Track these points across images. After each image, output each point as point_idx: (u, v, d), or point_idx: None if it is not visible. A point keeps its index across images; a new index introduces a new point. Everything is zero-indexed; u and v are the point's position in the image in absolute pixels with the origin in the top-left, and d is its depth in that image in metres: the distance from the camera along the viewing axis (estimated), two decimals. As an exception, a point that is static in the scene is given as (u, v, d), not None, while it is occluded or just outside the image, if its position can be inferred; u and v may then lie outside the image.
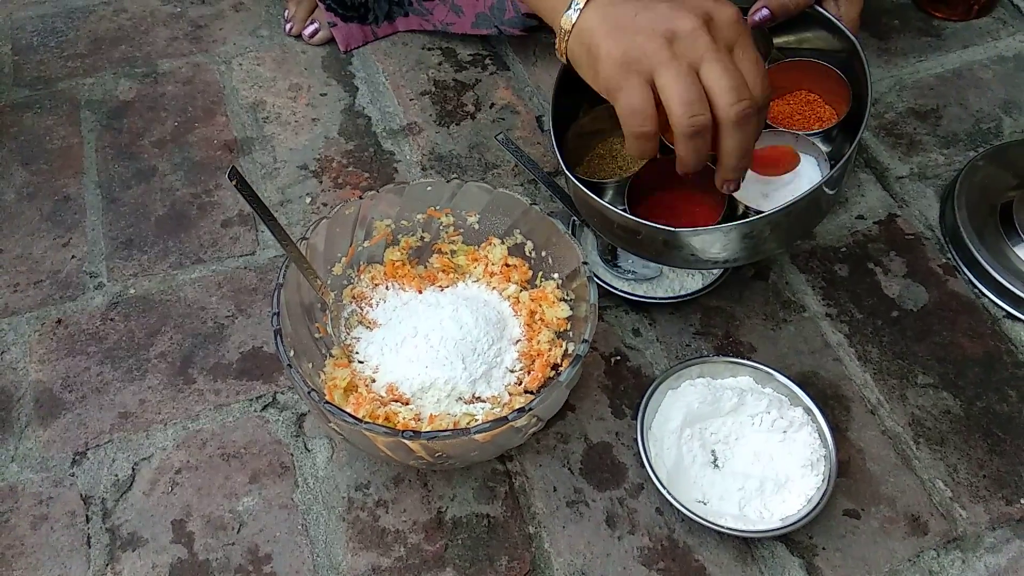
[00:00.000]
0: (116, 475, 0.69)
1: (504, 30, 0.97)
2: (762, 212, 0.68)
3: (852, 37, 0.67)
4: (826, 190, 0.66)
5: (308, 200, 0.87)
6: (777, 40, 0.73)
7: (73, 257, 0.83)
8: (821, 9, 0.68)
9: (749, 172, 0.71)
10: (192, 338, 0.77)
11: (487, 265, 0.74)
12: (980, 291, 0.80)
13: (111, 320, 0.78)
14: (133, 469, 0.69)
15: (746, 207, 0.69)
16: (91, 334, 0.77)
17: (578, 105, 0.78)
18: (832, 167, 0.71)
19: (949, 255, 0.83)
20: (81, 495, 0.68)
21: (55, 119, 0.95)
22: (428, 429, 0.64)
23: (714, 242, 0.67)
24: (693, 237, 0.66)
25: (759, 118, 0.58)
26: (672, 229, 0.66)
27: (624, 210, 0.70)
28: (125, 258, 0.83)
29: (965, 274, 0.81)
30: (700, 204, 0.72)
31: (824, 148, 0.72)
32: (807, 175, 0.71)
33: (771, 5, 0.68)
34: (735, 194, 0.68)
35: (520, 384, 0.69)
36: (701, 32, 0.56)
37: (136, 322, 0.78)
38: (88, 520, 0.67)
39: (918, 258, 0.83)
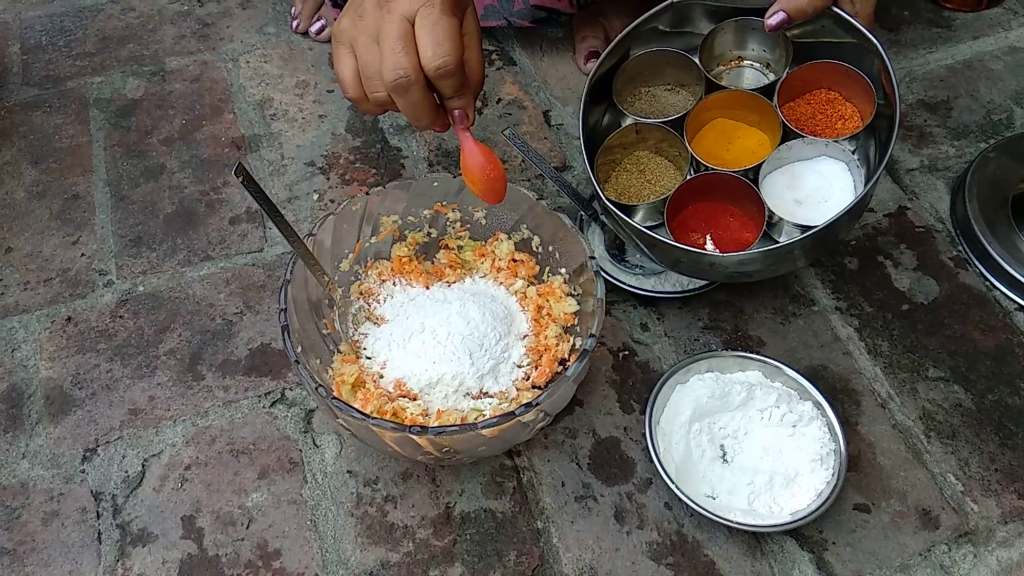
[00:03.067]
0: (126, 471, 0.69)
1: (513, 22, 0.97)
2: (793, 221, 0.68)
3: (875, 40, 0.66)
4: (866, 197, 0.66)
5: (315, 197, 0.87)
6: (791, 34, 0.73)
7: (83, 255, 0.83)
8: (838, 10, 0.67)
9: (779, 181, 0.72)
10: (201, 335, 0.77)
11: (494, 260, 0.74)
12: (992, 284, 0.80)
13: (120, 317, 0.79)
14: (143, 465, 0.70)
15: (779, 217, 0.69)
16: (101, 331, 0.78)
17: (598, 114, 0.78)
18: (858, 167, 0.70)
19: (960, 248, 0.82)
20: (92, 491, 0.68)
21: (64, 118, 0.95)
22: (435, 424, 0.64)
23: (758, 259, 0.68)
24: (739, 258, 0.67)
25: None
26: (718, 254, 0.68)
27: (661, 230, 0.70)
28: (134, 256, 0.83)
29: (976, 267, 0.81)
30: (733, 214, 0.72)
31: (851, 148, 0.72)
32: (838, 181, 0.71)
33: (788, 8, 0.68)
34: (772, 207, 0.68)
35: (528, 379, 0.69)
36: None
37: (145, 319, 0.78)
38: (99, 516, 0.67)
39: (929, 251, 0.82)
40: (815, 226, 0.64)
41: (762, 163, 0.71)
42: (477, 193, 0.67)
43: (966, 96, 0.95)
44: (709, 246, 0.72)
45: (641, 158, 0.76)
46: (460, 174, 0.70)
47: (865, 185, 0.67)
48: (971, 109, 0.94)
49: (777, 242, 0.69)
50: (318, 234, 0.68)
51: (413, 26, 0.61)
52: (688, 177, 0.73)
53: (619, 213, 0.70)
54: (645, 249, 0.72)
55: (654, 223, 0.74)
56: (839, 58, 0.70)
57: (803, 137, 0.71)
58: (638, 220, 0.74)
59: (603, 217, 0.76)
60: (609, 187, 0.75)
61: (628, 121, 0.76)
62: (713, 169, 0.71)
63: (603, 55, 0.73)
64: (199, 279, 0.81)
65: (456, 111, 0.65)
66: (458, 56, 0.61)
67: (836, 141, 0.70)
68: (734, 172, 0.70)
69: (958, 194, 0.85)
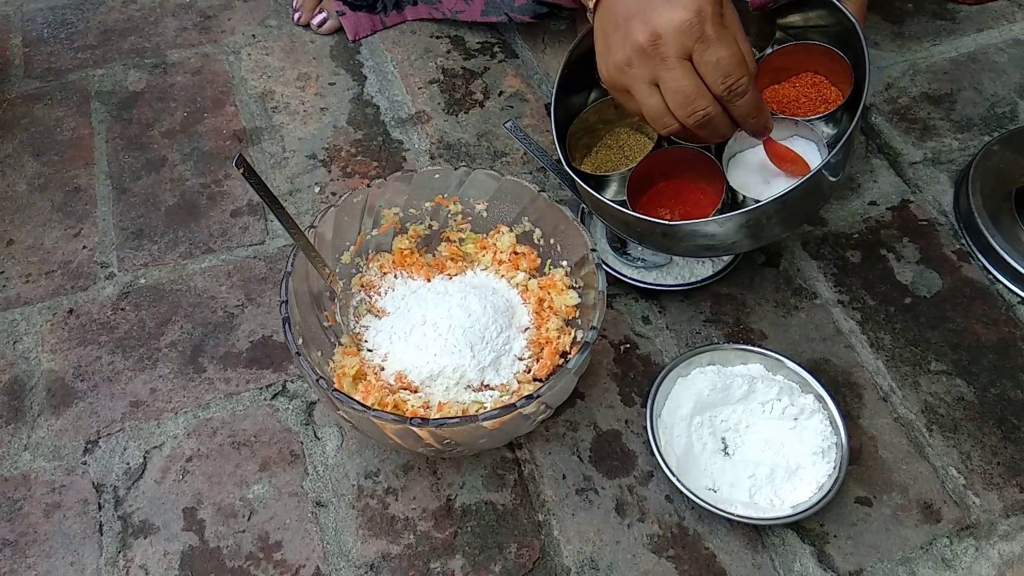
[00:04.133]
0: (128, 463, 0.69)
1: (514, 17, 0.96)
2: (759, 199, 0.67)
3: (851, 17, 0.66)
4: (826, 175, 0.65)
5: (317, 189, 0.87)
6: (781, 21, 0.72)
7: (84, 247, 0.83)
8: None
9: (751, 160, 0.71)
10: (202, 327, 0.77)
11: (495, 253, 0.74)
12: (995, 277, 0.79)
13: (122, 310, 0.79)
14: (144, 457, 0.70)
15: (744, 195, 0.69)
16: (102, 324, 0.78)
17: (584, 97, 0.78)
18: (829, 147, 0.70)
19: (963, 241, 0.82)
20: (93, 483, 0.68)
21: (65, 110, 0.95)
22: (436, 417, 0.64)
23: (713, 232, 0.67)
24: (690, 229, 0.66)
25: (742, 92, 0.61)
26: (669, 222, 0.67)
27: (623, 203, 0.70)
28: (136, 248, 0.83)
29: (979, 260, 0.81)
30: (703, 191, 0.72)
31: (830, 131, 0.71)
32: (810, 160, 0.71)
33: None
34: (736, 185, 0.68)
35: (529, 372, 0.68)
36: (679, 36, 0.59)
37: (147, 311, 0.78)
38: (100, 508, 0.67)
39: (931, 244, 0.82)
40: (766, 199, 0.64)
41: (728, 140, 0.70)
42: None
43: (970, 89, 0.94)
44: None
45: (621, 134, 0.76)
46: (461, 165, 0.71)
47: (823, 160, 0.66)
48: (975, 102, 0.93)
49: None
50: (319, 226, 0.68)
51: (691, 61, 0.59)
52: (651, 151, 0.72)
53: (581, 182, 0.70)
54: (604, 220, 0.72)
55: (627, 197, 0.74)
56: (829, 43, 0.70)
57: (774, 115, 0.70)
58: (611, 194, 0.74)
59: (570, 190, 0.76)
60: (588, 161, 0.76)
61: (608, 96, 0.75)
62: (677, 143, 0.71)
63: (584, 32, 0.72)
64: (200, 271, 0.81)
65: (754, 133, 0.65)
66: (748, 76, 0.60)
67: (808, 121, 0.70)
68: (699, 147, 0.70)
69: (961, 187, 0.84)
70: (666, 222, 0.67)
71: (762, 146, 0.71)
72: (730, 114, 0.62)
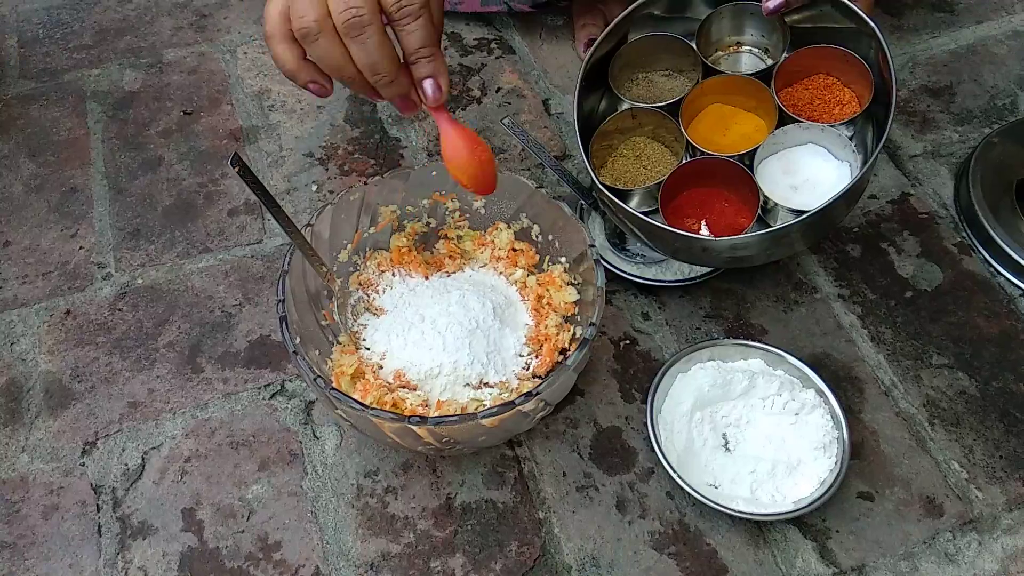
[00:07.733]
0: (126, 464, 0.69)
1: (514, 6, 0.96)
2: (789, 206, 0.68)
3: (872, 24, 0.66)
4: (861, 182, 0.65)
5: (314, 188, 0.87)
6: (790, 20, 0.72)
7: (81, 248, 0.83)
8: None
9: (775, 166, 0.71)
10: (200, 327, 0.77)
11: (493, 250, 0.74)
12: (996, 270, 0.79)
13: (119, 310, 0.78)
14: (143, 458, 0.69)
15: (775, 202, 0.68)
16: (100, 324, 0.77)
17: (595, 101, 0.77)
18: (855, 152, 0.70)
19: (964, 234, 0.82)
20: (91, 485, 0.68)
21: (61, 111, 0.95)
22: (435, 415, 0.64)
23: (750, 244, 0.67)
24: (731, 243, 0.67)
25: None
26: (710, 238, 0.67)
27: (655, 216, 0.70)
28: (133, 248, 0.83)
29: (980, 253, 0.80)
30: (728, 199, 0.72)
31: (848, 133, 0.71)
32: (835, 166, 0.70)
33: None
34: (768, 192, 0.68)
35: (528, 369, 0.68)
36: None
37: (144, 312, 0.78)
38: (99, 509, 0.67)
39: (932, 237, 0.82)
40: (810, 211, 0.64)
41: (757, 148, 0.70)
42: (464, 182, 0.62)
43: (970, 81, 0.94)
44: (704, 232, 0.71)
45: (638, 143, 0.76)
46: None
47: (861, 169, 0.66)
48: (975, 94, 0.93)
49: (771, 227, 0.69)
50: (316, 224, 0.68)
51: None
52: (683, 162, 0.72)
53: (613, 198, 0.69)
54: (639, 234, 0.71)
55: (650, 208, 0.74)
56: (838, 43, 0.70)
57: (799, 122, 0.70)
58: (634, 205, 0.73)
59: (601, 204, 0.76)
60: (605, 172, 0.75)
61: (625, 106, 0.75)
62: (707, 154, 0.71)
63: (598, 40, 0.73)
64: (198, 271, 0.81)
65: (427, 82, 0.57)
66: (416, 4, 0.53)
67: (832, 126, 0.70)
68: (728, 157, 0.70)
69: (962, 180, 0.84)
70: (707, 237, 0.67)
71: (783, 153, 0.71)
72: (402, 47, 0.56)
